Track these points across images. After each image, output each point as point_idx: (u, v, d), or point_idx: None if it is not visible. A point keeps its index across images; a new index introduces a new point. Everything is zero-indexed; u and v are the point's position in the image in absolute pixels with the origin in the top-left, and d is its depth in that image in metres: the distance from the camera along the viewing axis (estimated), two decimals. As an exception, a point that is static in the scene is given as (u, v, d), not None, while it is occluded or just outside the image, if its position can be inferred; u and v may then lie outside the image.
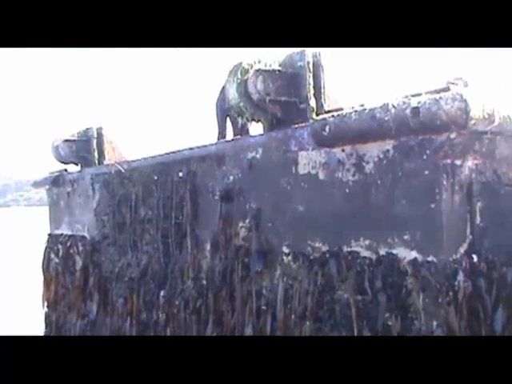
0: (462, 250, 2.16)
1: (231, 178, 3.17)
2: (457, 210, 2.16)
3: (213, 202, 3.30)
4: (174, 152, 3.75)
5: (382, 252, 2.30)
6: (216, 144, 3.33)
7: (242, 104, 2.81)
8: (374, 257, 2.35)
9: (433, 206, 2.14)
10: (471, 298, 2.12)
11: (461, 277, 2.10)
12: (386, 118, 2.15)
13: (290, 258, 2.76)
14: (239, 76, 2.81)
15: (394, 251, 2.26)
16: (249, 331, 2.92)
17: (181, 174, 3.63)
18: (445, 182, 2.14)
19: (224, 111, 3.30)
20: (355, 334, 2.37)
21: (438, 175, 2.13)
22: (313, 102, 2.81)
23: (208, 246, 3.34)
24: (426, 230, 2.16)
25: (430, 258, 2.14)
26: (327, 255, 2.51)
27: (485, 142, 2.18)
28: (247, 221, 3.04)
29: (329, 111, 2.62)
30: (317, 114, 2.83)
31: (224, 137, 3.58)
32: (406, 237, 2.22)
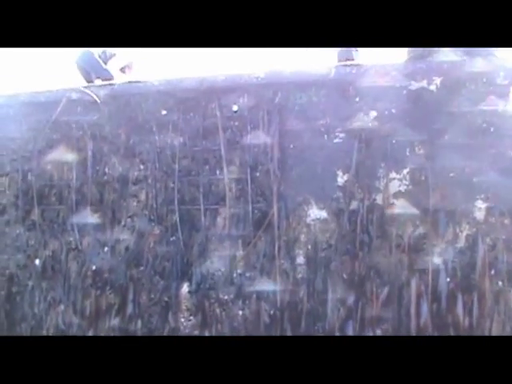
0: None
1: (373, 113, 2.33)
2: None
3: (327, 148, 2.36)
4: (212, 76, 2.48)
5: None
6: (336, 67, 2.37)
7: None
8: None
9: None
10: None
11: None
12: None
13: (489, 213, 2.26)
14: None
15: None
16: (424, 315, 2.25)
17: (236, 108, 2.44)
18: None
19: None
20: None
21: None
22: None
23: (314, 210, 2.37)
24: None
25: None
26: None
27: None
28: (405, 171, 2.32)
29: None
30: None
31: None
32: None
